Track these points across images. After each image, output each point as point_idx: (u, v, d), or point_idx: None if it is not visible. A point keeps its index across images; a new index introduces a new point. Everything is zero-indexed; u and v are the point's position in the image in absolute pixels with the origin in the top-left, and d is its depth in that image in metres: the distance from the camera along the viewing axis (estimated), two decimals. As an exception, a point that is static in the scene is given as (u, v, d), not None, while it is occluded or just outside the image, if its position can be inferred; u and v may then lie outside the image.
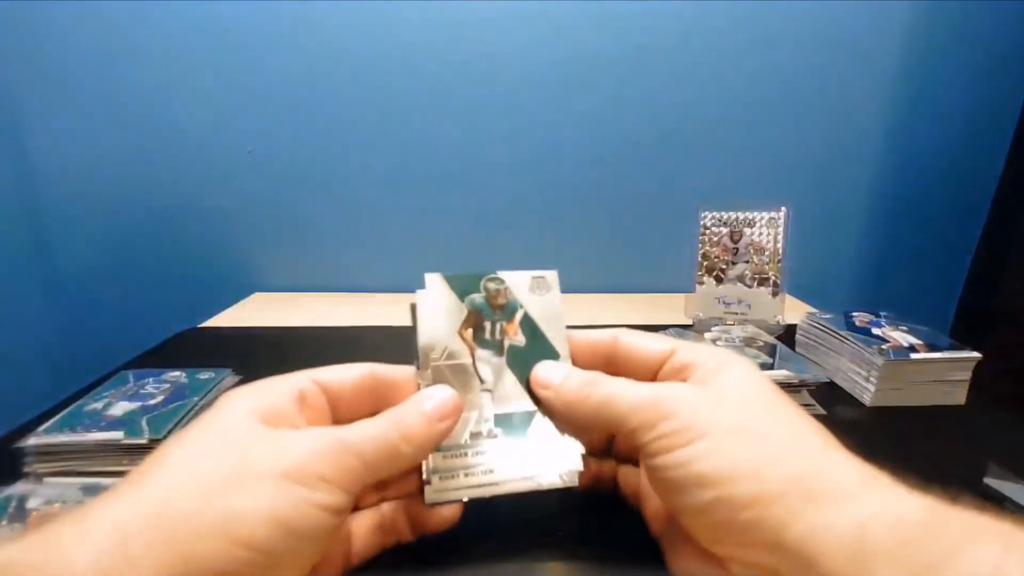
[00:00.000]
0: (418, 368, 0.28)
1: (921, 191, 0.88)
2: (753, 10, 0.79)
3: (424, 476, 0.27)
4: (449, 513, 0.27)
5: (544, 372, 0.28)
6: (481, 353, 0.29)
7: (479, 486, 0.27)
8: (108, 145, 0.81)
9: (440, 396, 0.26)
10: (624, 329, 0.30)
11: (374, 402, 0.27)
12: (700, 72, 0.81)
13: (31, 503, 0.31)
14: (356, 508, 0.27)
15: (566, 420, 0.28)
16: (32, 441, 0.35)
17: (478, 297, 0.30)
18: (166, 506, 0.19)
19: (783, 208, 0.63)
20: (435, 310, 0.29)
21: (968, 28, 0.80)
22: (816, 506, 0.20)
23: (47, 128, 0.80)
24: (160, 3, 0.76)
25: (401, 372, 0.28)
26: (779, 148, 0.85)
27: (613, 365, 0.29)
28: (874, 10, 0.79)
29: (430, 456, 0.27)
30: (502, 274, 0.31)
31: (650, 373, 0.28)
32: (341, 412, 0.27)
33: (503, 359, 0.29)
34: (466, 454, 0.27)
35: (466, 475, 0.27)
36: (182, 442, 0.22)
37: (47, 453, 0.35)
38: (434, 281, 0.30)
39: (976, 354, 0.47)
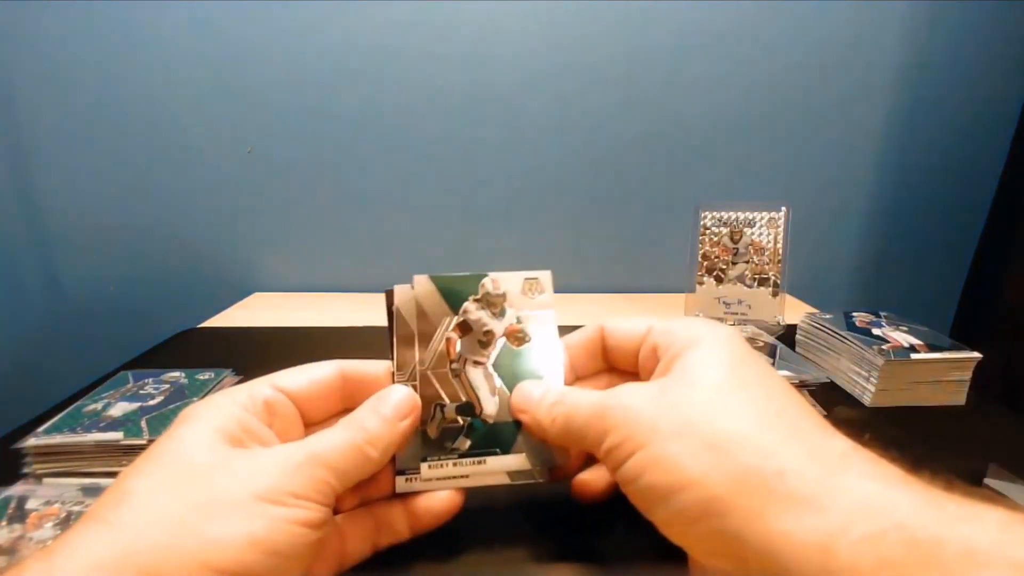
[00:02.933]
0: (395, 369, 0.28)
1: (921, 191, 0.88)
2: (753, 10, 0.79)
3: (396, 467, 0.27)
4: (443, 509, 0.27)
5: (521, 395, 0.28)
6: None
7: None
8: (107, 145, 0.81)
9: (396, 397, 0.26)
10: (610, 318, 0.29)
11: (345, 401, 0.27)
12: (700, 72, 0.81)
13: (30, 504, 0.31)
14: (336, 512, 0.27)
15: (549, 442, 0.28)
16: (31, 442, 0.35)
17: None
18: (140, 542, 0.18)
19: (783, 208, 0.63)
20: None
21: (968, 28, 0.80)
22: (773, 514, 0.18)
23: (46, 128, 0.80)
24: (160, 3, 0.76)
25: (372, 367, 0.28)
26: (779, 148, 0.85)
27: (607, 357, 0.29)
28: (874, 10, 0.79)
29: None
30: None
31: (634, 361, 0.28)
32: (312, 415, 0.26)
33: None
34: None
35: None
36: (145, 472, 0.21)
37: (46, 454, 0.35)
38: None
39: (976, 354, 0.47)
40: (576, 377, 0.30)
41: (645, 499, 0.22)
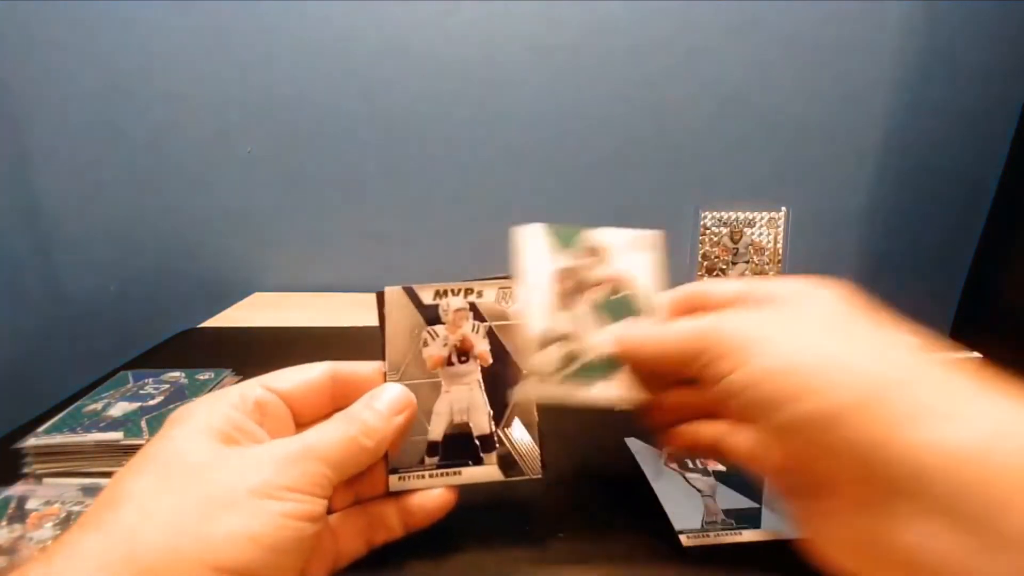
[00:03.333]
0: (387, 369, 0.28)
1: (921, 191, 0.88)
2: (753, 10, 0.79)
3: (389, 466, 0.27)
4: (437, 505, 0.27)
5: (629, 331, 0.28)
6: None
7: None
8: (107, 145, 0.81)
9: (391, 393, 0.26)
10: (703, 282, 0.29)
11: (336, 401, 0.27)
12: (700, 72, 0.81)
13: (30, 504, 0.31)
14: (330, 511, 0.27)
15: (639, 366, 0.27)
16: (31, 442, 0.35)
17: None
18: (137, 544, 0.18)
19: (783, 208, 0.63)
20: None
21: (968, 28, 0.80)
22: (915, 424, 0.17)
23: (47, 128, 0.80)
24: (160, 3, 0.76)
25: (363, 368, 0.28)
26: (779, 148, 0.85)
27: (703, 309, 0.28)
28: (874, 10, 0.79)
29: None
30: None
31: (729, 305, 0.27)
32: (304, 416, 0.26)
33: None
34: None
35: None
36: (140, 473, 0.21)
37: (46, 454, 0.35)
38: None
39: (976, 354, 0.47)
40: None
41: (759, 407, 0.21)
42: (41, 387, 0.85)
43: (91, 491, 0.32)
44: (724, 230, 0.64)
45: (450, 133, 0.83)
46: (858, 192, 0.88)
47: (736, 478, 0.34)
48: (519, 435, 0.28)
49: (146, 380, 0.44)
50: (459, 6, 0.77)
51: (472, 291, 0.30)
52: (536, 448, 0.28)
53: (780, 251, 0.62)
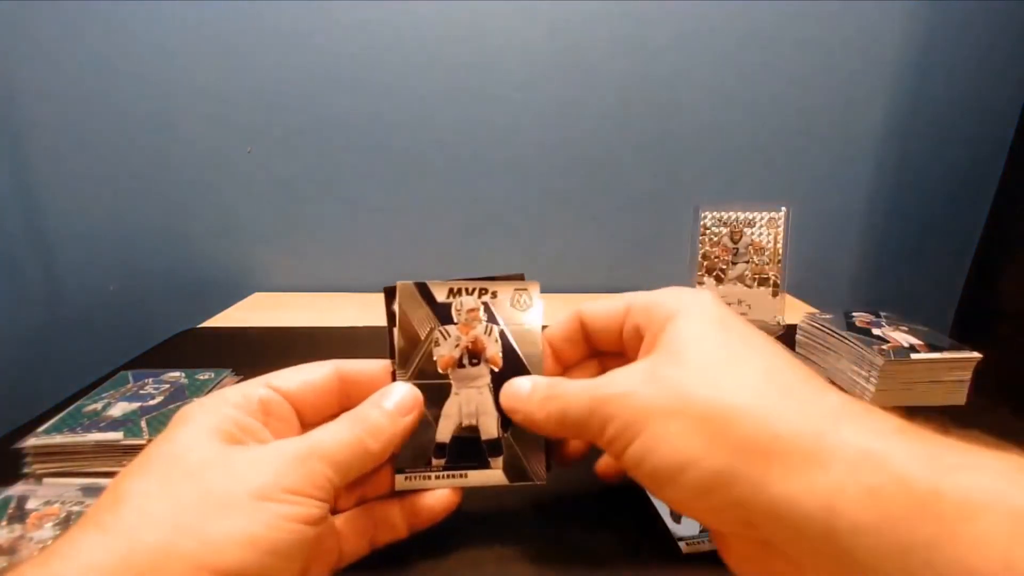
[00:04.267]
0: (396, 367, 0.28)
1: (921, 191, 0.88)
2: (753, 9, 0.79)
3: (396, 466, 0.27)
4: (442, 506, 0.27)
5: (510, 393, 0.27)
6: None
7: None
8: (107, 145, 0.81)
9: (399, 392, 0.26)
10: (585, 304, 0.29)
11: (342, 401, 0.27)
12: (700, 72, 0.81)
13: (30, 504, 0.31)
14: (334, 512, 0.27)
15: (546, 435, 0.28)
16: (31, 442, 0.35)
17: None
18: (136, 544, 0.18)
19: (783, 208, 0.63)
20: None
21: (968, 28, 0.80)
22: (777, 479, 0.18)
23: (46, 128, 0.80)
24: (160, 3, 0.76)
25: (370, 367, 0.28)
26: (779, 148, 0.85)
27: (589, 343, 0.29)
28: (874, 10, 0.79)
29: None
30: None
31: (617, 341, 0.28)
32: (308, 416, 0.26)
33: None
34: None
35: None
36: (141, 473, 0.21)
37: (46, 454, 0.35)
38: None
39: (976, 354, 0.47)
40: (563, 368, 0.30)
41: (652, 481, 0.22)
42: (41, 387, 0.86)
43: (91, 491, 0.32)
44: (724, 230, 0.64)
45: (450, 134, 0.83)
46: (858, 192, 0.88)
47: None
48: (526, 440, 0.28)
49: (146, 380, 0.44)
50: (459, 7, 0.77)
51: (487, 291, 0.29)
52: (543, 454, 0.28)
53: (780, 251, 0.62)
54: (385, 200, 0.86)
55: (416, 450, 0.27)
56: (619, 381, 0.23)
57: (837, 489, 0.17)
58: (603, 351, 0.30)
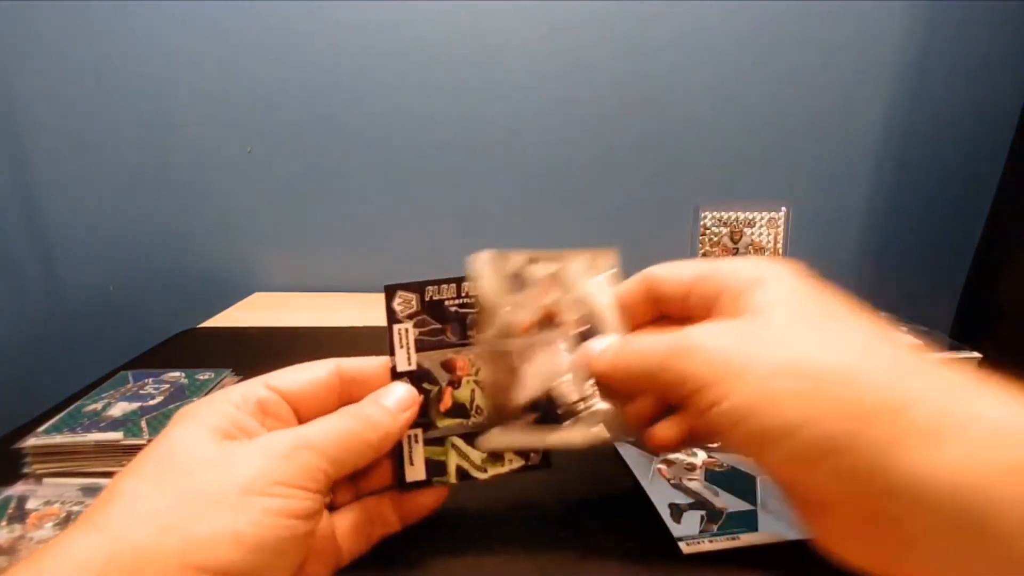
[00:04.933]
0: (395, 364, 0.28)
1: (921, 191, 0.87)
2: (753, 9, 0.79)
3: (405, 459, 0.27)
4: (430, 500, 0.28)
5: (587, 352, 0.27)
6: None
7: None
8: (107, 144, 0.81)
9: (398, 391, 0.26)
10: (655, 266, 0.28)
11: (342, 399, 0.27)
12: (700, 71, 0.81)
13: (30, 504, 0.31)
14: (334, 507, 0.27)
15: (616, 391, 0.27)
16: (31, 442, 0.35)
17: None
18: (123, 543, 0.18)
19: (783, 208, 0.63)
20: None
21: (968, 28, 0.80)
22: (905, 449, 0.17)
23: (46, 128, 0.80)
24: (160, 3, 0.76)
25: (369, 364, 0.28)
26: (779, 148, 0.85)
27: (655, 307, 0.28)
28: (873, 10, 0.79)
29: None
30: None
31: (684, 307, 0.26)
32: (308, 416, 0.26)
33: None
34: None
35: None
36: (135, 473, 0.21)
37: (46, 454, 0.35)
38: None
39: (976, 354, 0.47)
40: (628, 330, 0.29)
41: (752, 443, 0.20)
42: (41, 387, 0.85)
43: (91, 491, 0.32)
44: (724, 230, 0.64)
45: (450, 133, 0.83)
46: (858, 192, 0.88)
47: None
48: (600, 405, 0.28)
49: (146, 380, 0.44)
50: (459, 7, 0.77)
51: (562, 260, 0.29)
52: (621, 414, 0.28)
53: (780, 251, 0.62)
54: (385, 200, 0.86)
55: (502, 409, 0.28)
56: (704, 333, 0.22)
57: (980, 463, 0.16)
58: (671, 317, 0.28)
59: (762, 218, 0.63)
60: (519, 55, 0.80)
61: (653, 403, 0.28)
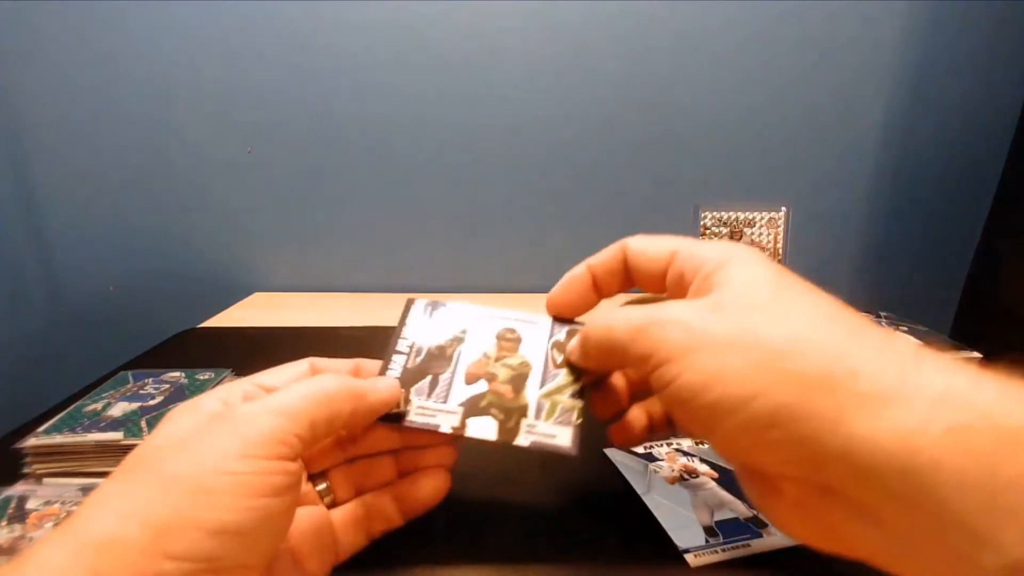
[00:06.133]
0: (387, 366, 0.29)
1: (921, 191, 0.87)
2: (753, 9, 0.79)
3: (401, 407, 0.27)
4: (430, 494, 0.28)
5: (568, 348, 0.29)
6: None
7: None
8: (107, 145, 0.81)
9: (385, 380, 0.27)
10: (632, 237, 0.28)
11: None
12: (700, 72, 0.81)
13: (30, 504, 0.31)
14: (332, 506, 0.27)
15: (586, 364, 0.27)
16: (31, 442, 0.35)
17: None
18: (85, 537, 0.18)
19: (783, 208, 0.63)
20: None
21: (968, 28, 0.80)
22: (852, 415, 0.17)
23: (47, 128, 0.80)
24: (160, 3, 0.76)
25: (342, 364, 0.28)
26: (779, 148, 0.85)
27: (630, 278, 0.28)
28: (874, 10, 0.79)
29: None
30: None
31: (659, 282, 0.26)
32: None
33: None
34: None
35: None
36: (115, 473, 0.21)
37: (46, 454, 0.35)
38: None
39: (976, 354, 0.47)
40: (600, 297, 0.30)
41: (705, 417, 0.20)
42: (41, 387, 0.85)
43: (91, 491, 0.32)
44: (724, 230, 0.64)
45: (451, 134, 0.83)
46: (858, 192, 0.88)
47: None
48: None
49: (146, 380, 0.44)
50: (459, 7, 0.77)
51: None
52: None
53: (780, 251, 0.62)
54: (385, 200, 0.85)
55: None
56: (672, 308, 0.22)
57: (920, 426, 0.16)
58: (645, 289, 0.29)
59: (762, 218, 0.63)
60: (519, 55, 0.80)
61: (622, 392, 0.29)
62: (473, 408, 0.28)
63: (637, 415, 0.29)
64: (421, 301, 0.31)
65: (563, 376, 0.28)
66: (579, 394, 0.28)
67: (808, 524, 0.20)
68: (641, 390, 0.30)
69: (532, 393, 0.28)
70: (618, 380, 0.30)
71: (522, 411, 0.27)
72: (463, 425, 0.27)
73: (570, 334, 0.29)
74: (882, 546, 0.18)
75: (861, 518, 0.18)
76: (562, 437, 0.26)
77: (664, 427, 0.29)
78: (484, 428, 0.27)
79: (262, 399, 0.22)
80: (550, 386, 0.28)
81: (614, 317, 0.24)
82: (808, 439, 0.18)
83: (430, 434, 0.27)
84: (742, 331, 0.20)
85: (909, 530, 0.17)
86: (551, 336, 0.30)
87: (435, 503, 0.28)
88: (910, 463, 0.16)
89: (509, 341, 0.30)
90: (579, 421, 0.27)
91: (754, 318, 0.20)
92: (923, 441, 0.16)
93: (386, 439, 0.29)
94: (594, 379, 0.29)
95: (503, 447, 0.27)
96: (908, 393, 0.17)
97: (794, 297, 0.21)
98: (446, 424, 0.27)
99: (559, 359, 0.29)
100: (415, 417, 0.27)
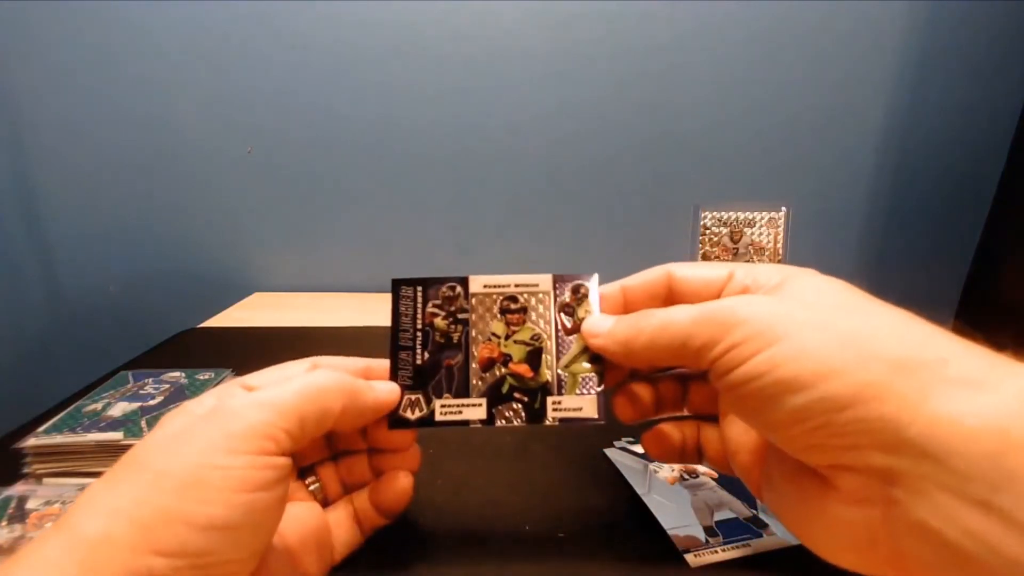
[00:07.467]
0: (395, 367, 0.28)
1: (921, 191, 0.87)
2: (753, 9, 0.79)
3: (424, 411, 0.27)
4: (397, 494, 0.27)
5: (591, 324, 0.27)
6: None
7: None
8: (108, 145, 0.81)
9: (383, 384, 0.27)
10: (676, 264, 0.28)
11: None
12: (700, 72, 0.81)
13: (30, 504, 0.31)
14: (326, 505, 0.27)
15: (624, 361, 0.26)
16: (31, 442, 0.35)
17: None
18: (76, 535, 0.18)
19: (783, 208, 0.63)
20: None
21: (968, 28, 0.80)
22: (939, 396, 0.17)
23: (47, 127, 0.80)
24: (160, 3, 0.76)
25: (348, 362, 0.28)
26: (779, 148, 0.85)
27: (673, 303, 0.27)
28: (874, 10, 0.79)
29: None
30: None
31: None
32: None
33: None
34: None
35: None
36: (107, 472, 0.21)
37: (46, 454, 0.35)
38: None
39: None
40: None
41: (774, 394, 0.19)
42: (41, 387, 0.86)
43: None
44: (724, 230, 0.64)
45: (451, 133, 0.83)
46: (858, 192, 0.88)
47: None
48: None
49: (146, 380, 0.44)
50: (459, 7, 0.77)
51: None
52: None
53: (780, 251, 0.62)
54: (385, 200, 0.86)
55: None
56: (740, 298, 0.22)
57: (1011, 411, 0.16)
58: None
59: (762, 218, 0.63)
60: (519, 55, 0.80)
61: (646, 398, 0.28)
62: (496, 396, 0.27)
63: (671, 431, 0.28)
64: (410, 283, 0.31)
65: (575, 343, 0.28)
66: (594, 358, 0.27)
67: (857, 528, 0.19)
68: (667, 400, 0.29)
69: (551, 368, 0.28)
70: (642, 390, 0.28)
71: (545, 389, 0.27)
72: (490, 416, 0.27)
73: (574, 291, 0.29)
74: (940, 557, 0.17)
75: (931, 507, 0.17)
76: (588, 408, 0.27)
77: (694, 454, 0.28)
78: (511, 415, 0.27)
79: (251, 393, 0.22)
80: (566, 357, 0.28)
81: (666, 314, 0.24)
82: (888, 419, 0.17)
83: (393, 435, 0.27)
84: (822, 317, 0.20)
85: (984, 527, 0.16)
86: (556, 298, 0.29)
87: (401, 507, 0.28)
88: (999, 446, 0.15)
89: (515, 313, 0.29)
90: (601, 388, 0.27)
91: (832, 311, 0.20)
92: (1014, 423, 0.16)
93: (357, 437, 0.29)
94: (617, 381, 0.28)
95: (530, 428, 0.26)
96: (997, 381, 0.17)
97: (868, 303, 0.21)
98: (474, 417, 0.27)
99: (568, 323, 0.28)
100: (441, 418, 0.27)
